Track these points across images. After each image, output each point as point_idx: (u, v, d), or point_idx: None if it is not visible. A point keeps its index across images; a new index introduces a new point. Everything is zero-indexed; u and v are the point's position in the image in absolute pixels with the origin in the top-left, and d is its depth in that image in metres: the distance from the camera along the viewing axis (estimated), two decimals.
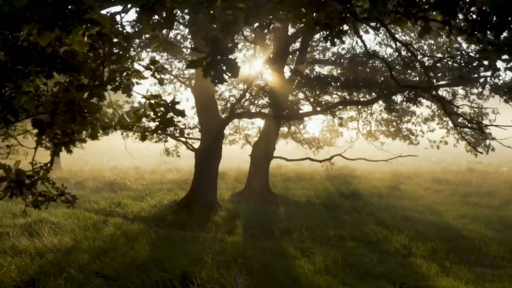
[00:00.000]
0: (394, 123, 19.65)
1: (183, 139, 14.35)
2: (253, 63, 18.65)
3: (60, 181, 17.65)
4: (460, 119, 14.56)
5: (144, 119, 3.25)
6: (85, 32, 2.21)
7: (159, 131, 3.14)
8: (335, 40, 2.92)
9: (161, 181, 19.59)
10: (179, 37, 16.88)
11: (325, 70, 19.44)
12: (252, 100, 13.98)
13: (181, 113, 3.04)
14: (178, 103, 3.10)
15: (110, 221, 11.58)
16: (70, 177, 19.74)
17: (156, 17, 4.24)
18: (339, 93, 15.08)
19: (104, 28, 2.19)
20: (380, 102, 12.99)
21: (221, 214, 12.83)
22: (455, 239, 10.31)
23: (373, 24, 4.69)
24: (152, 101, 3.16)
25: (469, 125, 12.42)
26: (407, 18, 4.39)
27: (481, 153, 11.51)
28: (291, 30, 17.56)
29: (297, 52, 16.21)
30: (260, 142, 16.25)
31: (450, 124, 17.07)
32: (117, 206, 13.77)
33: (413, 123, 18.95)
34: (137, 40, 16.40)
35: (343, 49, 19.87)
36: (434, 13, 4.40)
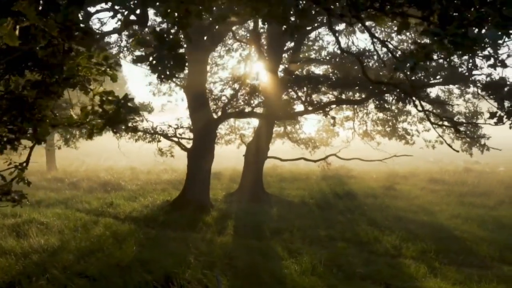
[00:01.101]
0: (390, 123, 19.57)
1: (175, 139, 14.29)
2: (247, 62, 18.59)
3: (54, 181, 17.55)
4: (433, 117, 14.41)
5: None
6: (16, 25, 2.14)
7: (111, 128, 3.07)
8: (294, 34, 2.84)
9: (156, 181, 19.53)
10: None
11: (320, 69, 19.38)
12: (245, 99, 13.90)
13: (134, 110, 2.97)
14: (131, 99, 3.03)
15: (100, 222, 11.51)
16: (65, 178, 19.69)
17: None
18: (334, 93, 15.02)
19: (30, 21, 2.12)
20: (372, 101, 12.92)
21: (213, 215, 12.75)
22: (446, 240, 10.23)
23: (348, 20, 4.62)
24: (104, 98, 3.10)
25: (443, 123, 12.29)
26: (384, 14, 4.32)
27: (457, 151, 11.39)
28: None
29: (290, 51, 16.14)
30: (254, 142, 16.19)
31: (446, 123, 17.00)
32: (109, 207, 13.70)
33: (408, 122, 18.87)
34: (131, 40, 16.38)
35: (338, 48, 19.77)
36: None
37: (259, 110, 16.39)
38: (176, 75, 2.52)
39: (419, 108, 9.62)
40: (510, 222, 12.22)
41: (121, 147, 17.86)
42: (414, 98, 9.36)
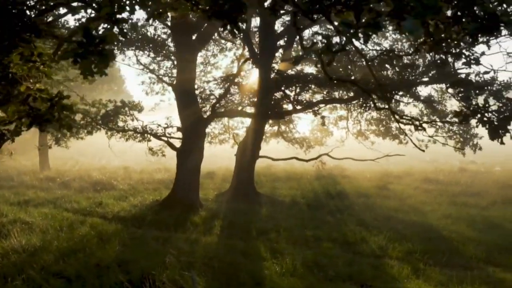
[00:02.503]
0: (383, 122, 19.47)
1: (164, 138, 14.20)
2: (240, 61, 18.46)
3: (46, 181, 17.39)
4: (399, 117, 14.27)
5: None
6: None
7: (38, 127, 2.98)
8: (236, 31, 2.74)
9: (148, 180, 19.45)
10: (164, 36, 16.74)
11: (314, 69, 19.28)
12: (233, 98, 13.80)
13: (67, 109, 2.87)
14: (66, 97, 2.93)
15: (87, 221, 11.41)
16: (57, 177, 19.60)
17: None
18: (325, 92, 14.90)
19: None
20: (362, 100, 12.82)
21: (202, 214, 12.67)
22: (433, 240, 10.13)
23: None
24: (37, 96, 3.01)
25: (410, 122, 12.25)
26: (351, 10, 4.22)
27: (423, 150, 11.35)
28: (281, 28, 17.39)
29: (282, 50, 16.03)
30: (245, 141, 16.09)
31: (439, 123, 16.96)
32: (97, 206, 13.62)
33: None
34: (121, 38, 16.29)
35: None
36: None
37: (250, 109, 16.32)
38: (105, 73, 2.43)
39: (380, 106, 9.53)
40: (500, 222, 12.13)
41: (116, 147, 17.78)
42: (374, 97, 9.28)
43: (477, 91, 7.28)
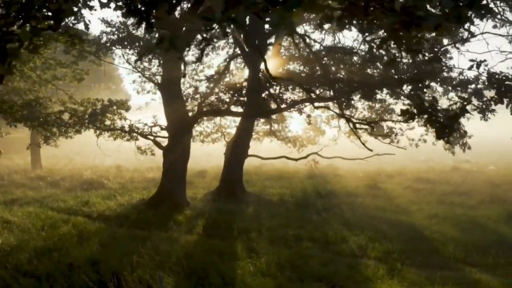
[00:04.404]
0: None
1: (151, 137, 14.17)
2: (231, 60, 18.39)
3: (37, 180, 17.32)
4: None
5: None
6: None
7: None
8: (149, 28, 2.70)
9: (139, 179, 19.44)
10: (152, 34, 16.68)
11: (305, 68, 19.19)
12: (222, 97, 13.77)
13: None
14: None
15: (71, 220, 11.39)
16: (48, 176, 19.60)
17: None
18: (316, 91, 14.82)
19: None
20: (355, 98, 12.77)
21: (187, 213, 12.64)
22: (414, 240, 10.07)
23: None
24: None
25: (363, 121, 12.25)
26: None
27: (371, 150, 11.38)
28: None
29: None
30: (234, 140, 16.06)
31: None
32: (83, 205, 13.61)
33: (393, 121, 18.64)
34: (111, 37, 16.28)
35: (323, 46, 19.64)
36: None
37: (240, 108, 16.26)
38: (11, 72, 2.38)
39: (317, 105, 9.43)
40: (485, 221, 12.07)
41: (110, 146, 17.71)
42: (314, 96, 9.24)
43: (426, 90, 7.20)
